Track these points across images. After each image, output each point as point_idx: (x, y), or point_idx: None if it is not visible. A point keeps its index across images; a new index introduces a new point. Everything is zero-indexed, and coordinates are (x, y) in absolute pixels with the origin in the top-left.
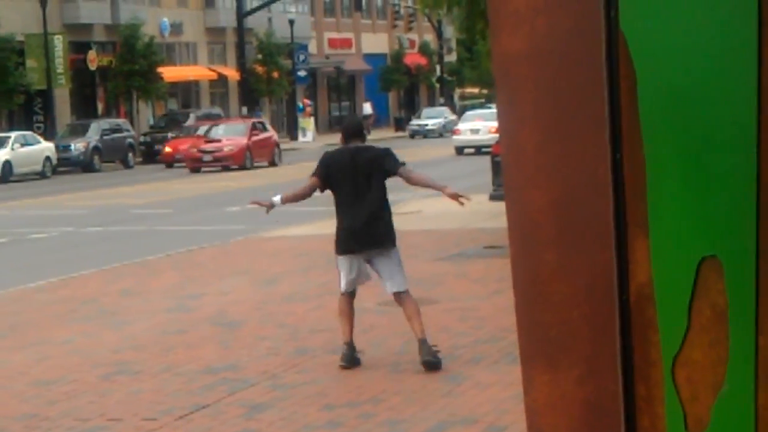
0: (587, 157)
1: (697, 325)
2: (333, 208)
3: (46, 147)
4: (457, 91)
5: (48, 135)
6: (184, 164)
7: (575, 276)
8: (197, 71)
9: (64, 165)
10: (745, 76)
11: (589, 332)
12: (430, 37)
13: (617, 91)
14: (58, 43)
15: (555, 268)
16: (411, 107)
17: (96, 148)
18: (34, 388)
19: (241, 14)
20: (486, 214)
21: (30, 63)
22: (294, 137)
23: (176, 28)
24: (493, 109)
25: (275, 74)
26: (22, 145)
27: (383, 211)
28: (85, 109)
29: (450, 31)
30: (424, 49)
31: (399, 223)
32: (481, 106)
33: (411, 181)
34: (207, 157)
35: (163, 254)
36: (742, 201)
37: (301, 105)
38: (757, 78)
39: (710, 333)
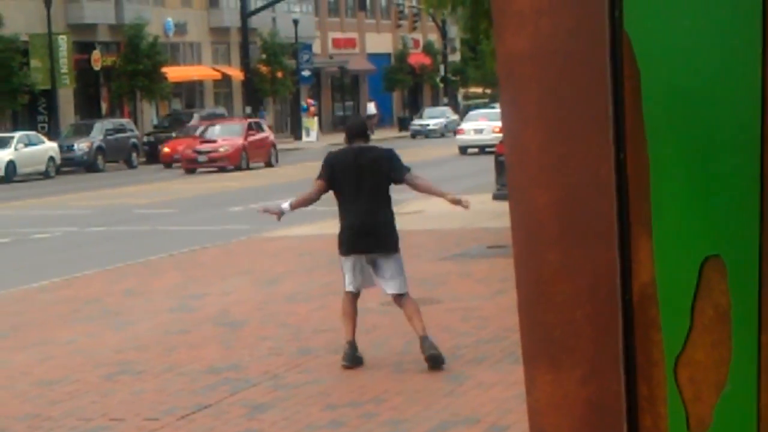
0: (591, 157)
1: (699, 325)
2: (335, 208)
3: (49, 147)
4: (461, 91)
5: (52, 135)
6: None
7: (578, 276)
8: (201, 71)
9: (68, 165)
10: (749, 77)
11: (592, 332)
12: (434, 37)
13: (621, 92)
14: (62, 43)
15: (558, 267)
16: (415, 107)
17: (99, 148)
18: (36, 388)
19: (245, 14)
20: (489, 213)
21: (34, 63)
22: (298, 137)
23: (180, 28)
24: (496, 109)
25: (279, 74)
26: (26, 145)
27: (386, 213)
28: (88, 109)
29: (454, 31)
30: (428, 49)
31: (401, 223)
32: (485, 105)
33: (417, 189)
34: (202, 158)
35: (166, 254)
36: (746, 201)
37: (304, 105)
38: (760, 78)
39: (713, 333)
